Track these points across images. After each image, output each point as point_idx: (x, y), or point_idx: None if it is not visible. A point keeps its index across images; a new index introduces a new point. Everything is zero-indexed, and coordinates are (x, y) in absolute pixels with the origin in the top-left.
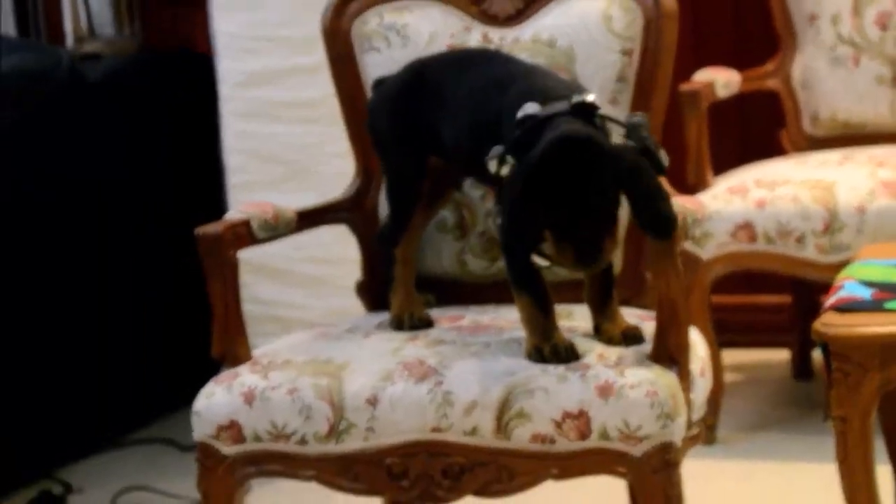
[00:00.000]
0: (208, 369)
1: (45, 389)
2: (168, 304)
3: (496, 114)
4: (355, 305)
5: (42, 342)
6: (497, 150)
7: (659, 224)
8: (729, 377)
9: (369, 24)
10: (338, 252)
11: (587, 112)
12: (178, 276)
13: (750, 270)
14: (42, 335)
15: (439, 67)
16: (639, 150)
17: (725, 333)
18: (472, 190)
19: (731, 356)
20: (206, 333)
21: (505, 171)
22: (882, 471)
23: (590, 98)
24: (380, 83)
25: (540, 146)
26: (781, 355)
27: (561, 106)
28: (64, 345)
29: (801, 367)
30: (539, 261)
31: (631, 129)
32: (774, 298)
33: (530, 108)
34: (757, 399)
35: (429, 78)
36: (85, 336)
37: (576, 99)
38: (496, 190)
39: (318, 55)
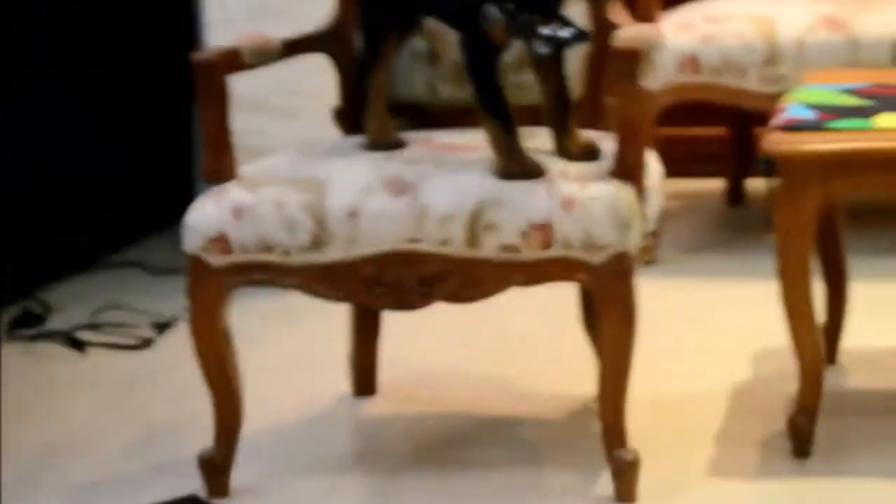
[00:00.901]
0: (177, 198)
1: (24, 215)
2: (141, 134)
3: None
4: (325, 135)
5: (22, 169)
6: None
7: None
8: (668, 204)
9: None
10: (307, 84)
11: None
12: (153, 108)
13: (688, 103)
14: (23, 162)
15: None
16: None
17: (665, 164)
18: None
19: (669, 185)
20: (173, 163)
21: None
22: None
23: None
24: None
25: None
26: (716, 184)
27: None
28: (42, 174)
29: (735, 193)
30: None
31: None
32: (712, 131)
33: None
34: (694, 223)
35: None
36: (62, 165)
37: None
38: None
39: None
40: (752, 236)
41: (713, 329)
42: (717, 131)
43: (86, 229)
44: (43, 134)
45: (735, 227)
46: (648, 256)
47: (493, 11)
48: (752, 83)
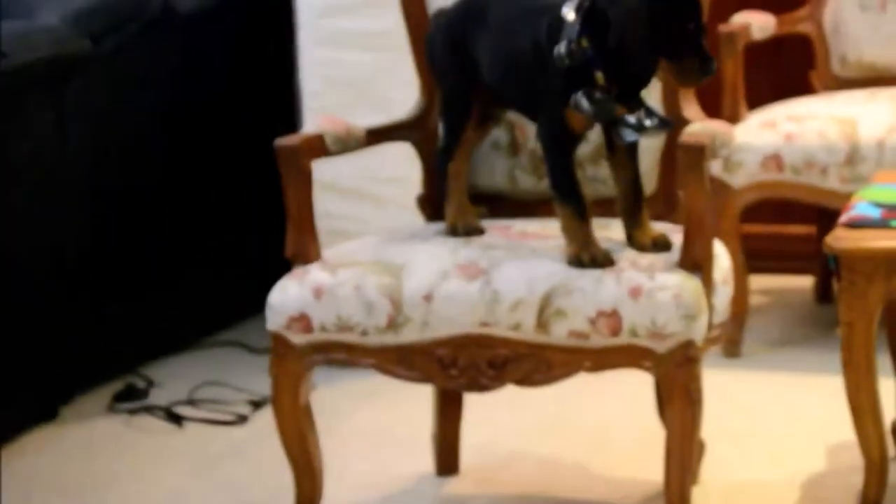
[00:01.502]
0: (278, 280)
1: (131, 294)
2: (243, 221)
3: (536, 41)
4: (418, 221)
5: (132, 255)
6: (563, 44)
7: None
8: (756, 299)
9: None
10: (403, 172)
11: None
12: (255, 192)
13: (778, 201)
14: (133, 249)
15: None
16: None
17: (755, 260)
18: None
19: (759, 281)
20: (277, 246)
21: (578, 57)
22: (887, 385)
23: None
24: (438, 15)
25: None
26: (806, 281)
27: None
28: (150, 258)
29: (824, 291)
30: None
31: None
32: (801, 229)
33: None
34: (781, 319)
35: (476, 8)
36: (169, 250)
37: None
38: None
39: None
40: (838, 333)
41: (790, 421)
42: (807, 229)
43: (189, 310)
44: (150, 217)
45: (822, 323)
46: (732, 351)
47: (581, 100)
48: (833, 182)
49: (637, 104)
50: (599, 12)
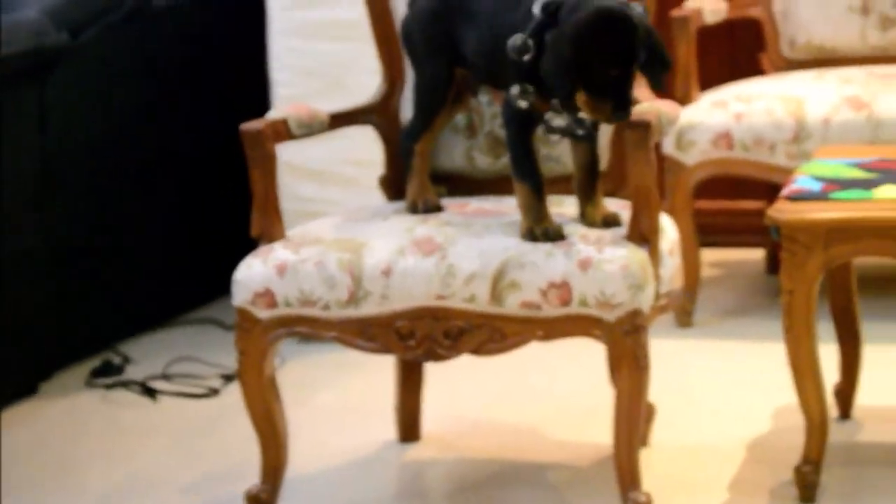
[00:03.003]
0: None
1: (107, 273)
2: (218, 203)
3: (512, 27)
4: (382, 201)
5: (110, 238)
6: (518, 36)
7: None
8: (709, 272)
9: None
10: (369, 155)
11: None
12: (230, 175)
13: (731, 178)
14: (114, 229)
15: None
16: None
17: (709, 234)
18: (481, 95)
19: (713, 254)
20: (248, 226)
21: (526, 57)
22: (828, 350)
23: None
24: (414, 2)
25: (579, 18)
26: (757, 254)
27: None
28: (128, 238)
29: (773, 263)
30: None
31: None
32: (753, 204)
33: None
34: (732, 290)
35: None
36: (146, 230)
37: None
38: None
39: None
40: None
41: (738, 386)
42: (759, 205)
43: (164, 288)
44: (128, 197)
45: (772, 293)
46: (684, 321)
47: (513, 92)
48: (781, 159)
49: (570, 108)
50: (554, 21)
